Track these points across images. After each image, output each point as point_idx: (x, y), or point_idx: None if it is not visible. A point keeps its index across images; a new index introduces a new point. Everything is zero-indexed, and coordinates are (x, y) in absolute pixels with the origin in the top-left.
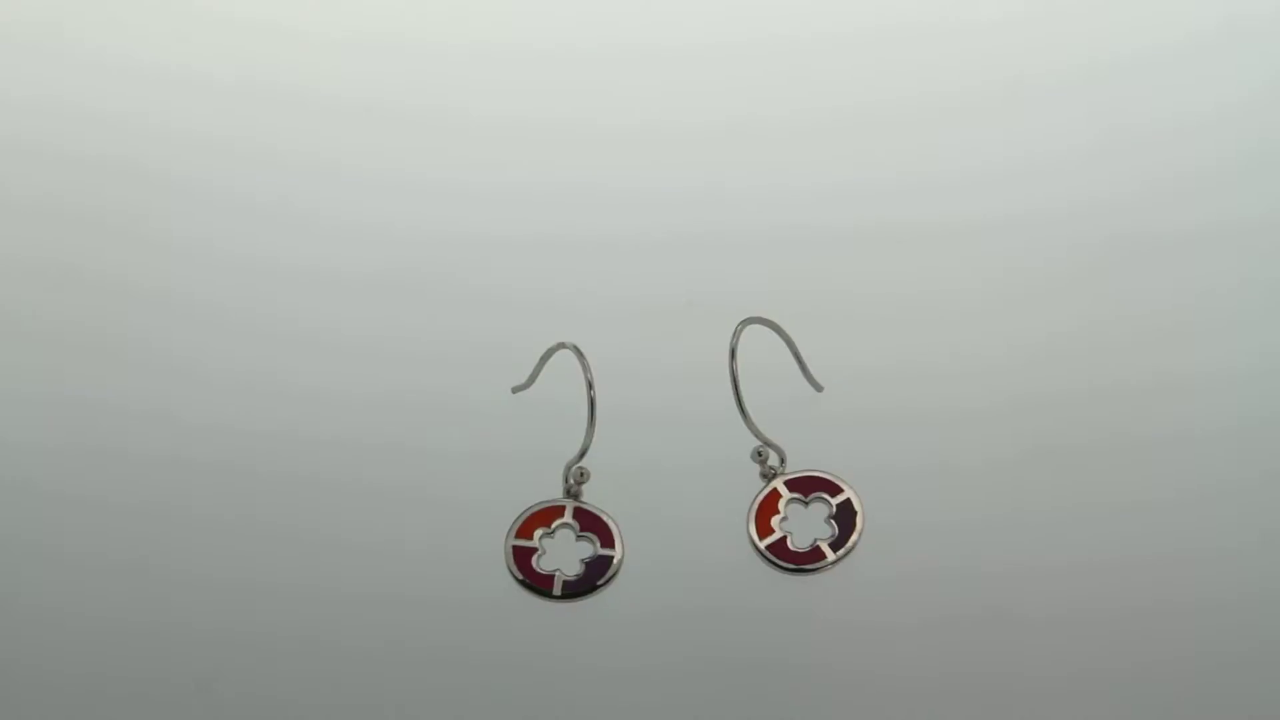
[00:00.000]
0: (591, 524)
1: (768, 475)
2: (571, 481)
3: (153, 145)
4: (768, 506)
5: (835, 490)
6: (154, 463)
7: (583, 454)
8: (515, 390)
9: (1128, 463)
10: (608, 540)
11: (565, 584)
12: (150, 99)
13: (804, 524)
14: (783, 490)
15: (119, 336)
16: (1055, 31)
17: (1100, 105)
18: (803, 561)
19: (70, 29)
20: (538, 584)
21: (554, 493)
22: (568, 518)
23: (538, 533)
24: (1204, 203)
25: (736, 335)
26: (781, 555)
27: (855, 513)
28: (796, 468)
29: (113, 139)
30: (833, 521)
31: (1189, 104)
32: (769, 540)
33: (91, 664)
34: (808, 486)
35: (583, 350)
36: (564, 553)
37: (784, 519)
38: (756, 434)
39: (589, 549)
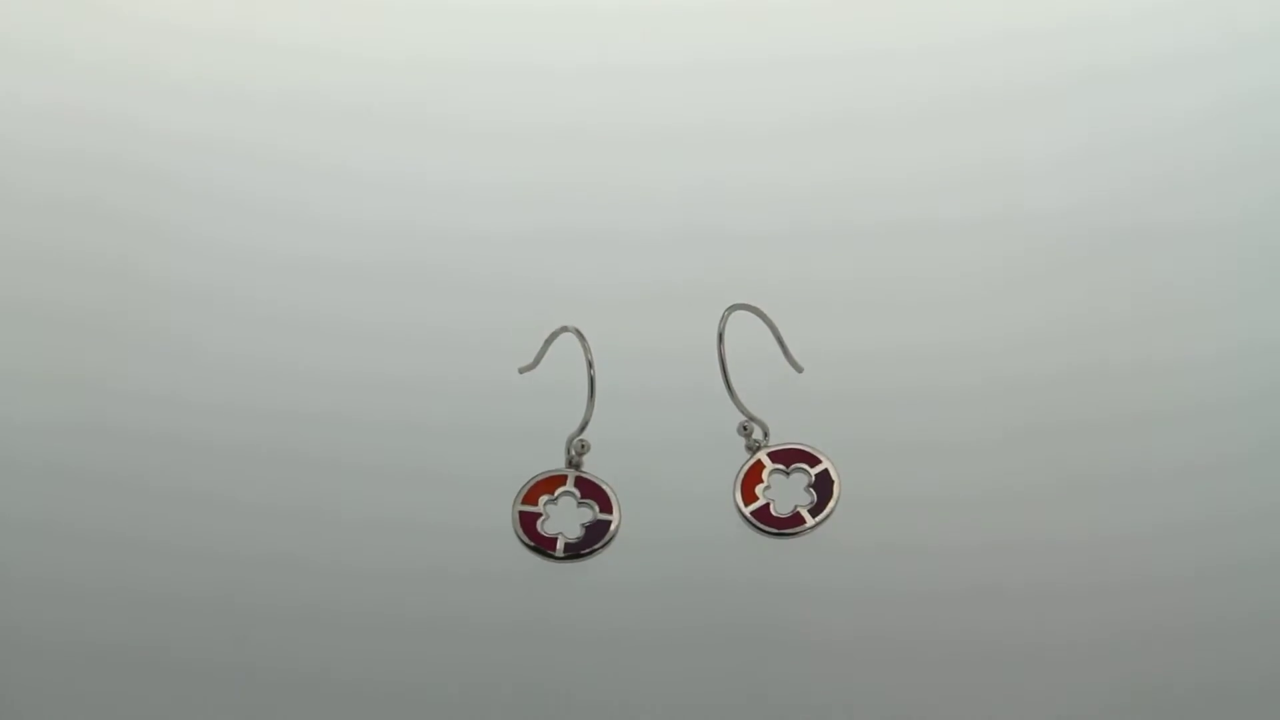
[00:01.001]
0: (591, 491)
1: (752, 448)
2: (573, 453)
3: (179, 148)
4: (752, 476)
5: (814, 461)
6: (175, 444)
7: (583, 428)
8: (522, 370)
9: (1087, 438)
10: (606, 506)
11: (567, 545)
12: (172, 103)
13: (785, 492)
14: (766, 461)
15: (156, 330)
16: (1039, 38)
17: (1077, 106)
18: (784, 526)
19: (81, 38)
20: (542, 545)
21: (557, 463)
22: (570, 486)
23: (542, 499)
24: (1171, 200)
25: (724, 320)
26: (765, 520)
27: (832, 482)
28: (779, 441)
29: (137, 142)
30: (811, 490)
31: (1161, 106)
32: (753, 506)
33: (117, 638)
34: (789, 458)
35: (584, 333)
36: (566, 517)
37: (767, 487)
38: (742, 410)
39: (589, 514)
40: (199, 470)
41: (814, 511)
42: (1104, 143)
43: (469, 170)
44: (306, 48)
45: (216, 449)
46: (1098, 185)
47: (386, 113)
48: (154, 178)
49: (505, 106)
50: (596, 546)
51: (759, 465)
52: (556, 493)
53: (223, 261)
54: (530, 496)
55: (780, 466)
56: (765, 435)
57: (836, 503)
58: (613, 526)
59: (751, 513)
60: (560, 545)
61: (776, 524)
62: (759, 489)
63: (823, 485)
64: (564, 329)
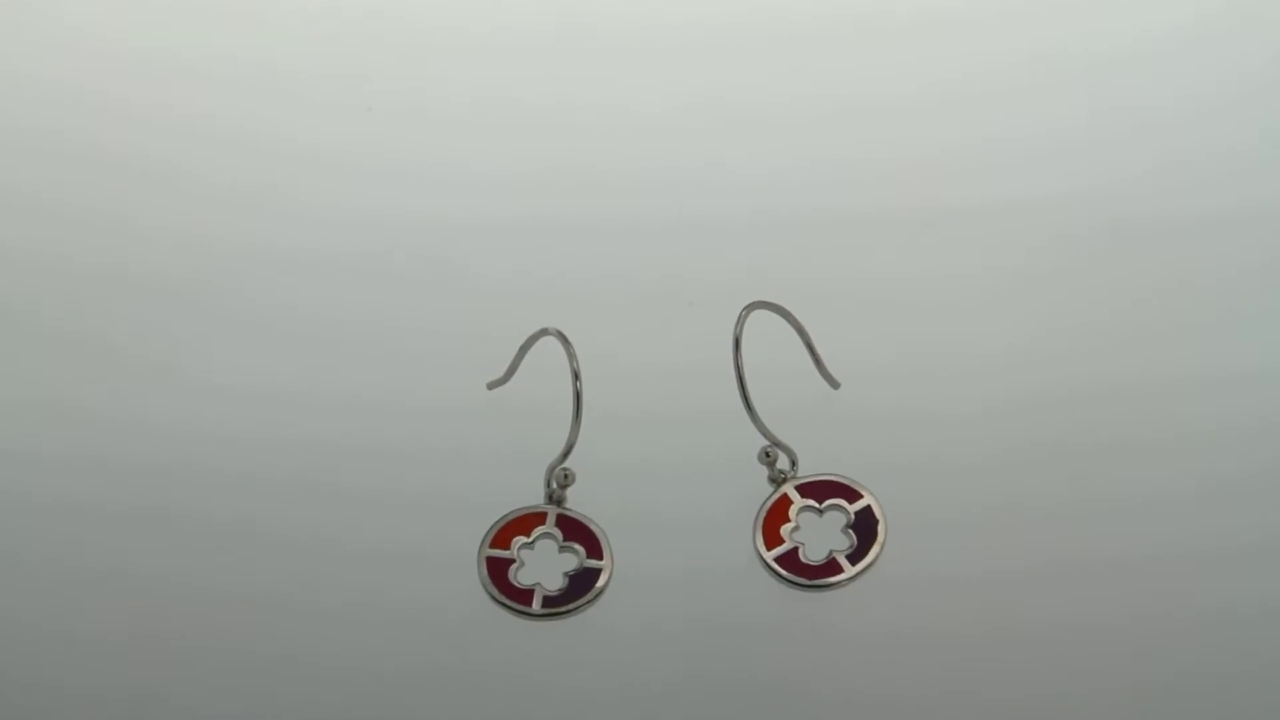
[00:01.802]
0: (576, 533)
1: (777, 479)
2: (554, 485)
3: (134, 133)
4: (777, 514)
5: (854, 496)
6: (125, 466)
7: (567, 454)
8: (491, 386)
9: (1160, 461)
10: (595, 551)
11: (546, 599)
12: (135, 88)
13: (818, 534)
14: (794, 496)
15: (87, 331)
16: (1054, 19)
17: (1105, 93)
18: (816, 575)
19: (65, 19)
20: (515, 599)
21: (534, 498)
22: (549, 526)
23: (516, 542)
24: (1227, 189)
25: (741, 322)
26: (792, 568)
27: (876, 521)
28: (809, 471)
29: (101, 129)
30: (850, 531)
31: (1191, 92)
32: (778, 552)
33: (55, 671)
34: (822, 492)
35: (568, 338)
36: (545, 565)
37: (795, 528)
38: (765, 433)
39: (573, 561)
40: (138, 491)
41: (854, 558)
42: (1156, 133)
43: (438, 156)
44: (279, 34)
45: (155, 470)
46: (1154, 175)
47: (358, 102)
48: (120, 171)
49: (486, 85)
50: (582, 601)
51: (785, 501)
52: (533, 534)
53: (182, 254)
54: (500, 539)
55: (812, 502)
56: (793, 464)
57: (882, 547)
58: (602, 577)
59: (775, 559)
60: (537, 599)
61: (807, 573)
62: (785, 530)
63: (864, 525)
64: (544, 332)
